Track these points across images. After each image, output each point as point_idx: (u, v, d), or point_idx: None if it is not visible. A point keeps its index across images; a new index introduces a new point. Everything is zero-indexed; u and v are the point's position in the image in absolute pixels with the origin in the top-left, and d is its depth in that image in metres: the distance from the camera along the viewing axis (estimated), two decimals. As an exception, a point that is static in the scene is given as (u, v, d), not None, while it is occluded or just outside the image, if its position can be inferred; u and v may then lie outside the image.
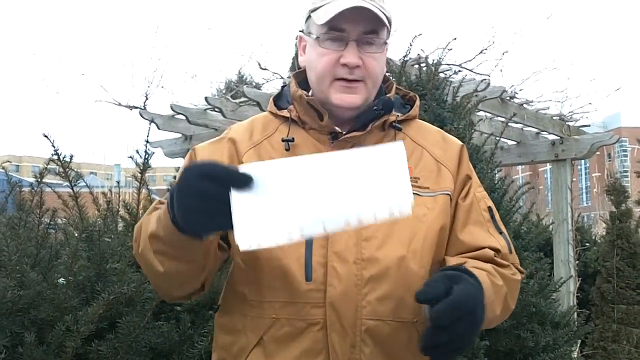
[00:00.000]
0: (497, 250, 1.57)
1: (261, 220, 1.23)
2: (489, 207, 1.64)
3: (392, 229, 1.50)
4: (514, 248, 1.64)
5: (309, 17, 1.59)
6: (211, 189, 1.23)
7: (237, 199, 1.22)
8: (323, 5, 1.53)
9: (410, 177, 1.47)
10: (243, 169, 1.25)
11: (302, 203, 1.25)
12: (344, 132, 1.58)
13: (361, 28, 1.51)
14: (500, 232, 1.62)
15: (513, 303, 1.58)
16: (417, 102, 1.72)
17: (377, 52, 1.54)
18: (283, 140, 1.60)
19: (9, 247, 2.25)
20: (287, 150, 1.58)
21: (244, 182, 1.24)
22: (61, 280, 2.34)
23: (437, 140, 1.67)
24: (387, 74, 1.75)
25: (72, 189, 2.50)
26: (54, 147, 2.31)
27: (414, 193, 1.49)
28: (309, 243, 1.49)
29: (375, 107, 1.56)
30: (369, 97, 1.57)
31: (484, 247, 1.56)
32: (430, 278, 1.40)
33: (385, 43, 1.56)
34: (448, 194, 1.58)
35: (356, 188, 1.28)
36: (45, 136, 2.25)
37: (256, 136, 1.64)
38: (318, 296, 1.46)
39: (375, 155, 1.30)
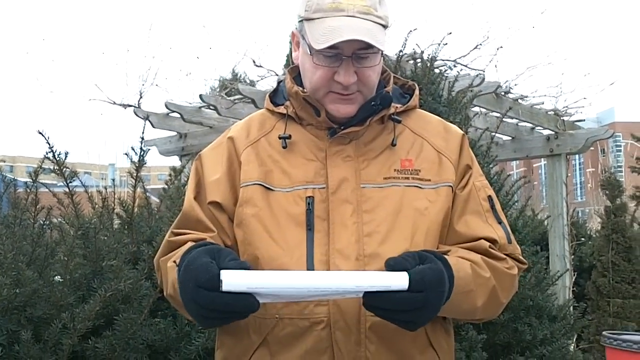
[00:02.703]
0: (493, 241, 1.53)
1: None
2: (489, 197, 1.60)
3: (394, 224, 1.49)
4: (514, 238, 1.61)
5: (302, 20, 1.54)
6: (209, 298, 1.25)
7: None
8: (318, 19, 1.49)
9: (411, 169, 1.55)
10: (231, 277, 1.24)
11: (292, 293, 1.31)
12: (342, 127, 1.55)
13: (356, 46, 1.47)
14: (500, 222, 1.58)
15: (506, 297, 1.54)
16: (417, 92, 1.70)
17: (373, 65, 1.50)
18: (280, 138, 1.59)
19: (4, 245, 2.24)
20: (284, 147, 1.57)
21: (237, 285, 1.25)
22: (57, 278, 2.33)
23: (438, 130, 1.64)
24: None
25: (68, 186, 2.49)
26: (49, 144, 2.30)
27: (415, 186, 1.53)
28: (310, 241, 1.48)
29: (373, 103, 1.54)
30: (365, 101, 1.54)
31: (480, 238, 1.53)
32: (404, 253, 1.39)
33: (381, 50, 1.49)
34: (450, 186, 1.56)
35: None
36: (40, 133, 2.24)
37: (253, 134, 1.63)
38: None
39: (379, 279, 1.30)
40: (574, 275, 6.46)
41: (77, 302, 2.25)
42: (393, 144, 1.57)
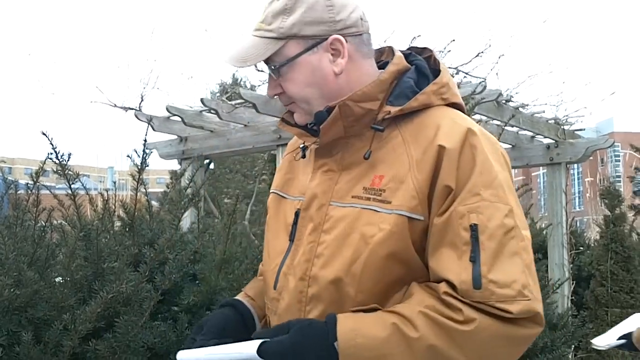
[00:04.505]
0: (454, 285, 1.30)
1: None
2: (472, 226, 1.31)
3: (340, 248, 1.42)
4: (501, 280, 1.29)
5: None
6: None
7: None
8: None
9: (377, 189, 1.41)
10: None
11: None
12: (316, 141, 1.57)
13: (264, 63, 1.52)
14: (474, 261, 1.29)
15: (463, 354, 1.28)
16: (428, 89, 1.47)
17: (287, 74, 1.49)
18: (300, 147, 1.63)
19: (5, 245, 2.24)
20: (302, 157, 1.61)
21: None
22: (58, 279, 2.33)
23: (427, 137, 1.41)
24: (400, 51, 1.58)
25: (70, 188, 2.49)
26: (52, 144, 2.30)
27: (371, 209, 1.40)
28: (287, 252, 1.53)
29: (309, 123, 1.53)
30: (312, 109, 1.50)
31: (442, 279, 1.32)
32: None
33: (298, 55, 1.47)
34: (402, 215, 1.36)
35: None
36: (44, 134, 2.24)
37: (297, 142, 1.71)
38: (277, 305, 1.51)
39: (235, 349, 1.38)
40: (573, 284, 6.45)
41: (78, 304, 2.25)
42: (365, 157, 1.45)
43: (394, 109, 1.44)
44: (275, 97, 1.55)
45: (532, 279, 1.32)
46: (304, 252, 1.48)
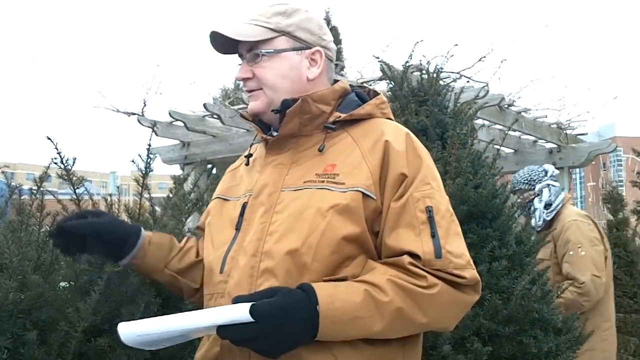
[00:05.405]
0: (416, 256, 1.51)
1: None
2: (428, 207, 1.55)
3: (294, 224, 1.56)
4: (455, 251, 1.53)
5: None
6: None
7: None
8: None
9: (330, 174, 1.60)
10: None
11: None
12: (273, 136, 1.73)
13: (246, 46, 1.71)
14: (433, 236, 1.52)
15: (425, 316, 1.50)
16: (373, 101, 1.74)
17: (267, 62, 1.68)
18: (245, 157, 1.84)
19: (10, 249, 2.24)
20: (246, 165, 1.81)
21: None
22: (63, 283, 2.33)
23: (376, 135, 1.65)
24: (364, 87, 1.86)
25: (75, 193, 2.49)
26: (57, 149, 2.30)
27: (325, 188, 1.58)
28: (233, 240, 1.66)
29: (272, 109, 1.70)
30: (274, 100, 1.70)
31: (405, 253, 1.52)
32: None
33: (285, 50, 1.70)
34: (359, 191, 1.55)
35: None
36: (49, 139, 2.24)
37: (239, 160, 1.92)
38: (224, 286, 1.60)
39: (225, 314, 1.43)
40: (576, 288, 6.43)
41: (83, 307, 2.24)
42: (319, 150, 1.64)
43: (344, 115, 1.68)
44: (240, 82, 1.74)
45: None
46: (255, 232, 1.60)
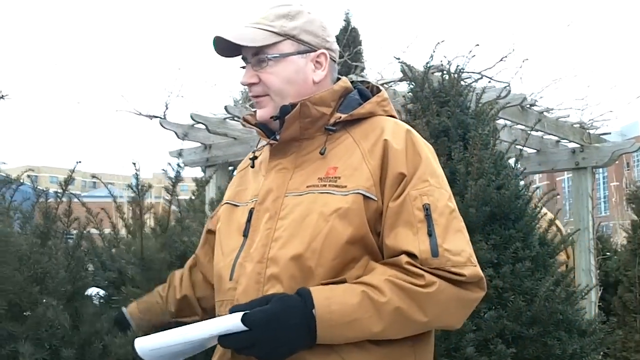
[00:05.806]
0: (414, 256, 1.49)
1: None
2: (425, 205, 1.53)
3: (298, 229, 1.56)
4: (453, 249, 1.51)
5: None
6: None
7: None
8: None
9: (332, 177, 1.60)
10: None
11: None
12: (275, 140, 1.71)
13: (251, 52, 1.68)
14: (430, 234, 1.51)
15: (425, 315, 1.48)
16: (373, 100, 1.72)
17: (272, 67, 1.67)
18: (250, 159, 1.82)
19: (54, 259, 2.25)
20: (252, 167, 1.81)
21: None
22: (93, 289, 2.35)
23: (376, 135, 1.63)
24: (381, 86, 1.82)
25: (112, 195, 2.53)
26: (82, 154, 2.34)
27: (328, 192, 1.58)
28: (242, 247, 1.66)
29: (272, 116, 1.68)
30: (281, 104, 1.67)
31: (403, 252, 1.51)
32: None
33: (291, 54, 1.67)
34: (360, 193, 1.55)
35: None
36: (73, 144, 2.28)
37: (246, 161, 1.88)
38: (233, 293, 1.61)
39: (219, 324, 1.48)
40: (600, 290, 6.36)
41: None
42: (321, 153, 1.64)
43: (344, 115, 1.67)
44: (246, 86, 1.71)
45: (473, 252, 1.56)
46: (260, 239, 1.60)
